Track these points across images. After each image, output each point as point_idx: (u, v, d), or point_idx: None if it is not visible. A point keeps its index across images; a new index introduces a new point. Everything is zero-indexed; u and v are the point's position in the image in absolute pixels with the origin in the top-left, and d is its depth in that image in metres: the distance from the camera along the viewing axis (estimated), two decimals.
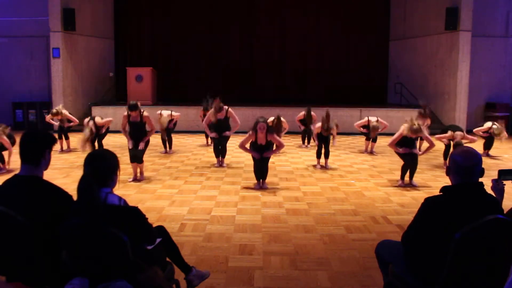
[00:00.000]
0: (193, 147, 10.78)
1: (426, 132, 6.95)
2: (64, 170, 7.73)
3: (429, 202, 2.45)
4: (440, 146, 8.81)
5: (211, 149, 9.22)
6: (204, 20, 16.50)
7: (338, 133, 10.04)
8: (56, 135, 9.47)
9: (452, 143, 8.25)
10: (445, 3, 13.72)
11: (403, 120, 10.89)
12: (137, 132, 6.97)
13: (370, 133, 9.66)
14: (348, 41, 16.73)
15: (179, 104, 13.80)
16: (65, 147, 9.95)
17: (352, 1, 16.57)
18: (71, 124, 10.00)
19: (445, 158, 8.58)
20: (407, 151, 6.83)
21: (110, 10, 16.16)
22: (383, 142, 10.97)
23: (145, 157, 9.28)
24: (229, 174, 7.59)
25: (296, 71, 16.75)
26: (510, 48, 14.98)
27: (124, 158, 8.76)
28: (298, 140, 12.33)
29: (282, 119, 9.23)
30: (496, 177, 2.70)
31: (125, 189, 6.33)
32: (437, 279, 2.36)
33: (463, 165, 2.40)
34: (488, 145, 9.95)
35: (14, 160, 8.63)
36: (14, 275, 2.45)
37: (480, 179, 2.44)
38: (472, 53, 13.79)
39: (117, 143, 10.93)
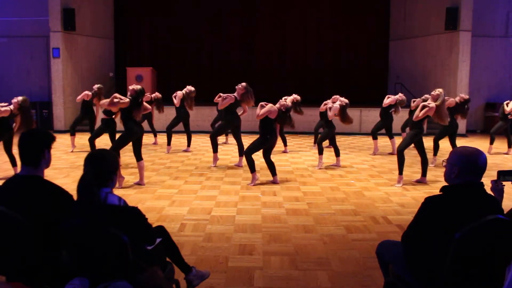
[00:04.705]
0: (193, 147, 10.77)
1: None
2: (64, 170, 7.73)
3: (429, 202, 2.45)
4: (441, 146, 8.78)
5: (211, 149, 9.18)
6: (204, 20, 16.50)
7: (339, 133, 10.03)
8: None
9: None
10: (445, 3, 13.71)
11: (403, 120, 10.93)
12: None
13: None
14: (348, 41, 16.71)
15: None
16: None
17: (352, 1, 16.56)
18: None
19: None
20: None
21: (110, 10, 16.15)
22: (382, 142, 10.97)
23: (145, 157, 9.30)
24: (229, 174, 7.59)
25: (296, 72, 16.73)
26: (510, 48, 14.98)
27: (124, 158, 8.77)
28: (298, 140, 12.35)
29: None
30: (495, 177, 2.70)
31: (125, 189, 6.33)
32: (437, 279, 2.36)
33: (480, 165, 2.42)
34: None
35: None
36: (14, 275, 2.45)
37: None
38: (472, 53, 13.79)
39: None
